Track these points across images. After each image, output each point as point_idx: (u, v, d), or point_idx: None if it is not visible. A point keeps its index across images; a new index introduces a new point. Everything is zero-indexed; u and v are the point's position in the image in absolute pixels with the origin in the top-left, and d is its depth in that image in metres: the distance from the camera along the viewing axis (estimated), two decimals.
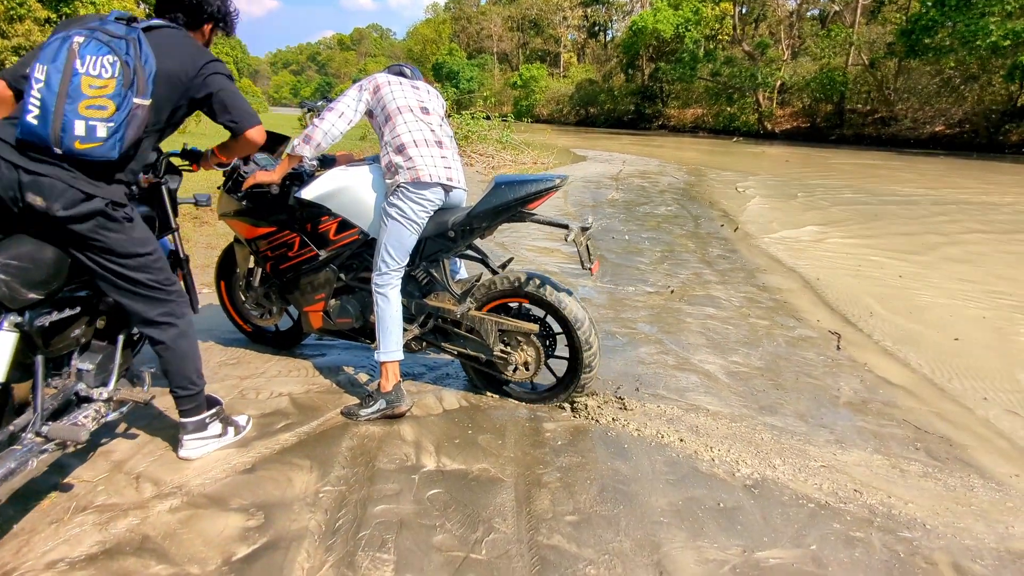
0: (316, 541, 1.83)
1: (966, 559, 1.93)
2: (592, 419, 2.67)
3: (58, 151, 1.66)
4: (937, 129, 27.02)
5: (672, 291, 4.05)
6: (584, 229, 2.49)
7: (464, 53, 65.71)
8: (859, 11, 31.52)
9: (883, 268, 5.77)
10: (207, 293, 4.10)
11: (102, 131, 1.68)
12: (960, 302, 4.78)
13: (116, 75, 1.68)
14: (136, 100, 1.73)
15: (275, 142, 3.11)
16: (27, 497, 1.98)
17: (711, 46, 39.15)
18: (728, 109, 37.27)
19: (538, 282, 2.60)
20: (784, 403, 2.97)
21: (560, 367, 2.80)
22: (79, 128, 1.65)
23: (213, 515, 1.93)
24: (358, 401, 2.68)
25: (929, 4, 24.33)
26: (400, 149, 2.50)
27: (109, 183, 1.83)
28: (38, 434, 1.76)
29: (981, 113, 25.60)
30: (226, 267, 3.37)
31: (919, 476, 2.40)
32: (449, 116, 2.87)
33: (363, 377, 3.05)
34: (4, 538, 1.79)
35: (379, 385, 2.63)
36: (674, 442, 2.52)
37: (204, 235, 5.17)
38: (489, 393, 2.88)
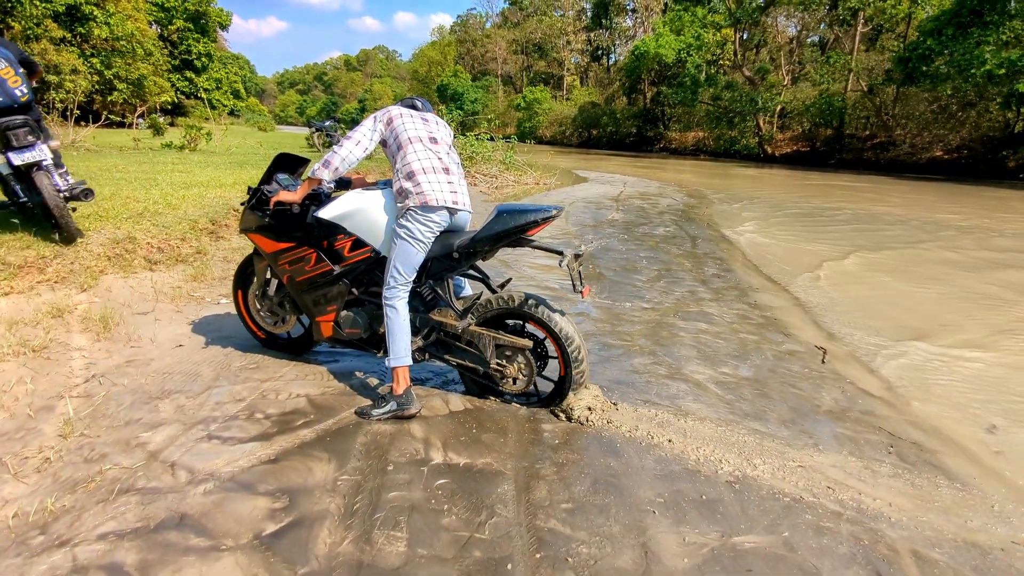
0: (336, 521, 2.04)
1: (926, 547, 2.12)
2: (587, 421, 2.87)
3: None
4: (935, 154, 27.38)
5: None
6: (576, 256, 2.72)
7: (469, 75, 66.65)
8: (857, 39, 32.10)
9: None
10: (225, 303, 4.34)
11: None
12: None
13: None
14: None
15: (295, 164, 3.37)
16: (73, 482, 2.19)
17: (712, 71, 39.77)
18: (729, 133, 37.76)
19: (534, 302, 2.83)
20: (768, 411, 3.17)
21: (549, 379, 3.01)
22: None
23: (243, 498, 2.14)
24: (370, 402, 2.90)
25: (926, 33, 24.86)
26: (410, 176, 2.74)
27: None
28: None
29: (978, 139, 25.98)
30: (243, 278, 3.59)
31: (889, 476, 2.59)
32: (454, 137, 3.12)
33: (373, 381, 3.27)
34: (58, 513, 2.00)
35: (391, 389, 2.85)
36: (663, 443, 2.73)
37: (220, 249, 5.41)
38: (492, 397, 3.09)
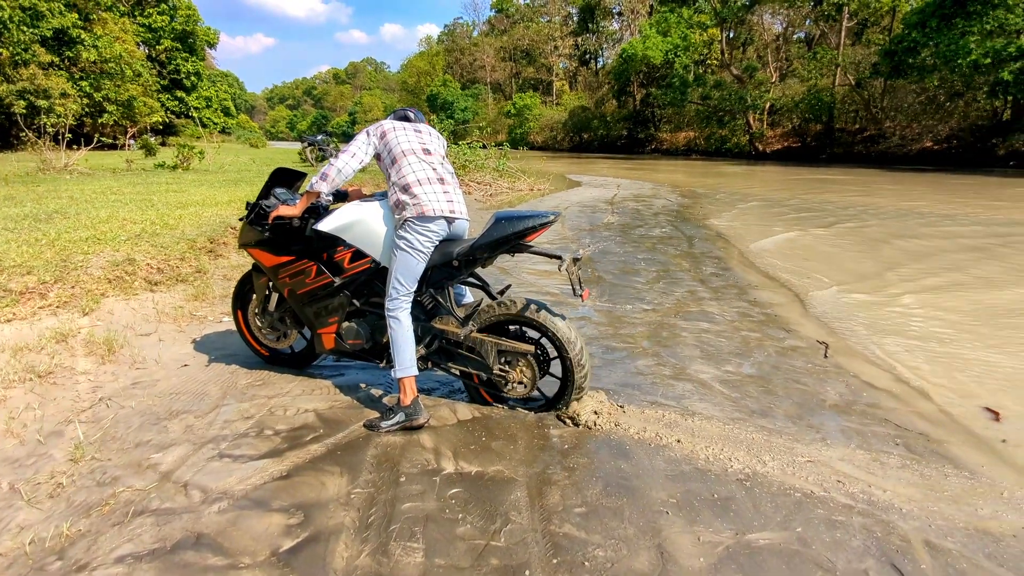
0: (352, 534, 2.04)
1: (938, 537, 2.13)
2: (595, 425, 2.88)
3: None
4: (926, 145, 27.57)
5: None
6: (575, 260, 2.74)
7: (458, 84, 66.92)
8: (843, 33, 32.37)
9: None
10: (227, 321, 4.34)
11: None
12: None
13: None
14: None
15: (293, 178, 3.39)
16: (87, 505, 2.19)
17: (700, 70, 40.02)
18: (719, 131, 37.98)
19: (535, 307, 2.85)
20: (774, 407, 3.19)
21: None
22: None
23: (258, 515, 2.14)
24: (378, 414, 2.91)
25: (911, 25, 25.10)
26: (406, 188, 2.76)
27: None
28: None
29: (967, 129, 26.18)
30: (241, 297, 3.60)
31: (897, 468, 2.61)
32: (447, 147, 3.15)
33: (379, 393, 3.27)
34: (74, 538, 2.00)
35: (399, 400, 2.86)
36: (672, 443, 2.74)
37: (220, 267, 5.41)
38: (496, 404, 3.10)
